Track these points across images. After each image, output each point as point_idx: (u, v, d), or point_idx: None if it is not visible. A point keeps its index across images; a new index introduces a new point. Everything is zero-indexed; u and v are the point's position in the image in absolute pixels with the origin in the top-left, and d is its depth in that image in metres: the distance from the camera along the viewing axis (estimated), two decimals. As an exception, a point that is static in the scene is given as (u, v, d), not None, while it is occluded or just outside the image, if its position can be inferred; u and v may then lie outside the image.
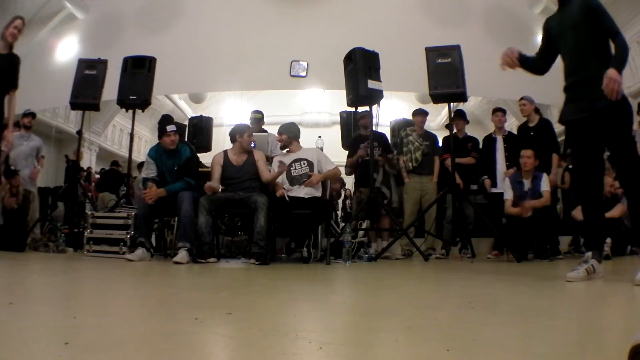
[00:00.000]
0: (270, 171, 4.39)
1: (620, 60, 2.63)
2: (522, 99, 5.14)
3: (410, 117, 5.76)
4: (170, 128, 4.21)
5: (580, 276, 2.66)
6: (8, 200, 5.04)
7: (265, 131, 5.52)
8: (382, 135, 5.48)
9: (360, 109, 5.06)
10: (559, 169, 5.31)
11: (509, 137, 5.31)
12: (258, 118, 5.87)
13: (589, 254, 2.78)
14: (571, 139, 2.92)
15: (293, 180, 4.27)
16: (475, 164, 5.43)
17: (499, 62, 3.05)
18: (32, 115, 6.00)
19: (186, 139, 6.27)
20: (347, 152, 6.27)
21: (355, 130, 6.02)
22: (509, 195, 4.69)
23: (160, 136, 4.27)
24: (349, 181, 9.61)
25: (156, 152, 4.33)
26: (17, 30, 4.03)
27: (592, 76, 2.68)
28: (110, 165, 8.85)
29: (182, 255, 3.86)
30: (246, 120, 5.59)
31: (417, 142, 5.21)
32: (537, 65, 3.08)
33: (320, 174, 4.31)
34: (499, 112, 5.44)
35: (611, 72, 2.53)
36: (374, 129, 4.96)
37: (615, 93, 2.53)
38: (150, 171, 4.29)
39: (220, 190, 4.32)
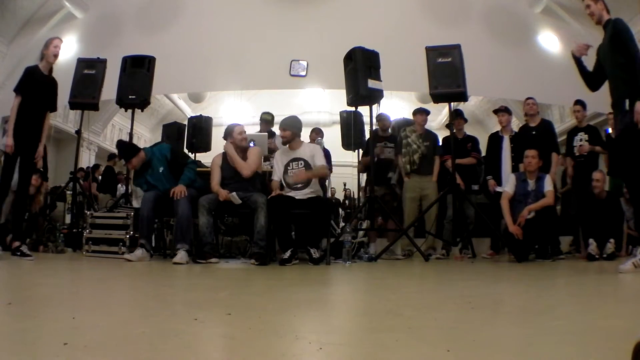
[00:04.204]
0: (268, 168, 4.43)
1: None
2: (529, 98, 5.22)
3: (410, 116, 5.75)
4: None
5: (627, 268, 2.99)
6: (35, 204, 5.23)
7: (274, 133, 5.49)
8: (397, 137, 5.50)
9: (361, 108, 5.06)
10: (559, 167, 5.30)
11: (516, 137, 5.26)
12: (267, 120, 5.86)
13: (638, 248, 3.13)
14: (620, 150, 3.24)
15: (289, 181, 4.26)
16: (476, 164, 5.41)
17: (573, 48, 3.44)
18: None
19: (185, 139, 6.26)
20: (346, 151, 6.29)
21: (357, 130, 6.01)
22: (508, 189, 4.65)
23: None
24: (350, 182, 9.59)
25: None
26: (58, 50, 4.10)
27: (620, 96, 3.14)
28: (107, 161, 8.79)
29: (181, 255, 3.85)
30: (247, 119, 5.59)
31: (416, 144, 5.17)
32: (591, 81, 3.46)
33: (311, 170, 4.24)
34: (505, 112, 5.37)
35: (638, 105, 2.94)
36: (374, 128, 4.96)
37: None
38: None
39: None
